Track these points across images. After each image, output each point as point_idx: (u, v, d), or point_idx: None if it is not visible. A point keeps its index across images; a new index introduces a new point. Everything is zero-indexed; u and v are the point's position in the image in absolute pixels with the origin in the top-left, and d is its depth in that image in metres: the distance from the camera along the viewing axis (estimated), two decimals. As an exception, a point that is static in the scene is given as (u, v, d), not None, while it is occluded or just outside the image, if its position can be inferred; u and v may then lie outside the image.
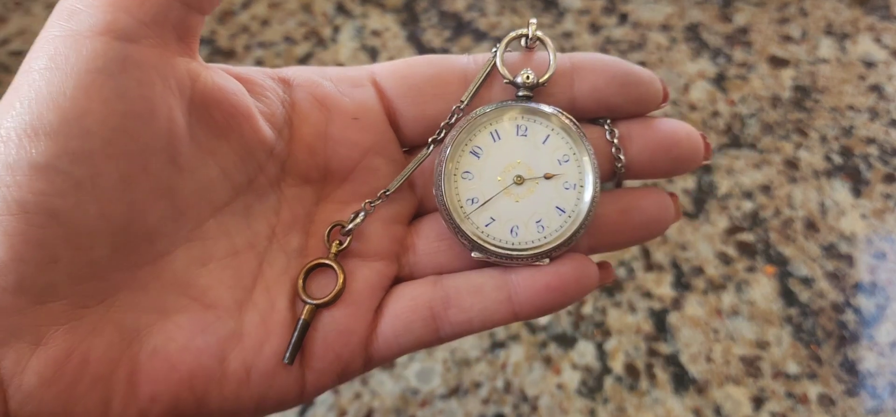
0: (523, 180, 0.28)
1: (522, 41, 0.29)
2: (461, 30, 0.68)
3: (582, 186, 0.28)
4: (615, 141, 0.28)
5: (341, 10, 0.70)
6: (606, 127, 0.28)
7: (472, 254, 0.28)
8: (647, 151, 0.28)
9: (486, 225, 0.28)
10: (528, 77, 0.28)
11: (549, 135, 0.28)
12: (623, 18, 0.69)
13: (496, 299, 0.27)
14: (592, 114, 0.29)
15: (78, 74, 0.22)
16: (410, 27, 0.69)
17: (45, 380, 0.22)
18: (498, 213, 0.28)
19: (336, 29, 0.69)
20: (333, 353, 0.27)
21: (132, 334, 0.24)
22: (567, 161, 0.28)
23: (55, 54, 0.22)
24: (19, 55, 0.66)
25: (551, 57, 0.28)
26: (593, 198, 0.27)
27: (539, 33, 0.29)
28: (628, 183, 0.30)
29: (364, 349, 0.27)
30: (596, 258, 0.29)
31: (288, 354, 0.26)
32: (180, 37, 0.24)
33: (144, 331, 0.25)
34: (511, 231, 0.28)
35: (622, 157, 0.28)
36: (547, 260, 0.27)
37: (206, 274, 0.26)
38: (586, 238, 0.28)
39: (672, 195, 0.29)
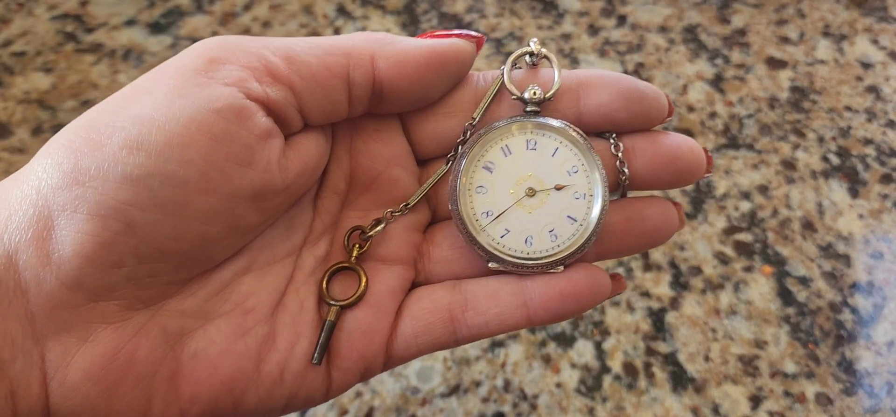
0: (535, 192, 0.29)
1: (527, 59, 0.30)
2: (461, 31, 0.69)
3: (592, 195, 0.29)
4: (619, 154, 0.29)
5: (342, 11, 0.71)
6: (611, 140, 0.29)
7: (489, 265, 0.28)
8: (651, 165, 0.29)
9: (502, 237, 0.29)
10: (534, 93, 0.29)
11: (557, 148, 0.29)
12: (622, 20, 0.69)
13: (512, 304, 0.28)
14: (598, 129, 0.29)
15: (196, 108, 0.23)
16: (411, 29, 0.69)
17: (90, 376, 0.23)
18: (512, 225, 0.29)
19: (337, 31, 0.69)
20: (357, 353, 0.28)
21: (176, 337, 0.25)
22: (576, 172, 0.29)
23: (182, 86, 0.23)
24: (22, 56, 0.66)
25: (556, 72, 0.29)
26: (603, 206, 0.28)
27: (544, 51, 0.29)
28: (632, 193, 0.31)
29: (385, 348, 0.28)
30: (604, 267, 0.29)
31: (316, 354, 0.27)
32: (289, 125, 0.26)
33: (188, 335, 0.25)
34: (525, 241, 0.29)
35: (626, 170, 0.29)
36: (561, 268, 0.28)
37: (247, 281, 0.27)
38: (594, 246, 0.29)
39: (676, 204, 0.30)
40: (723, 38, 0.67)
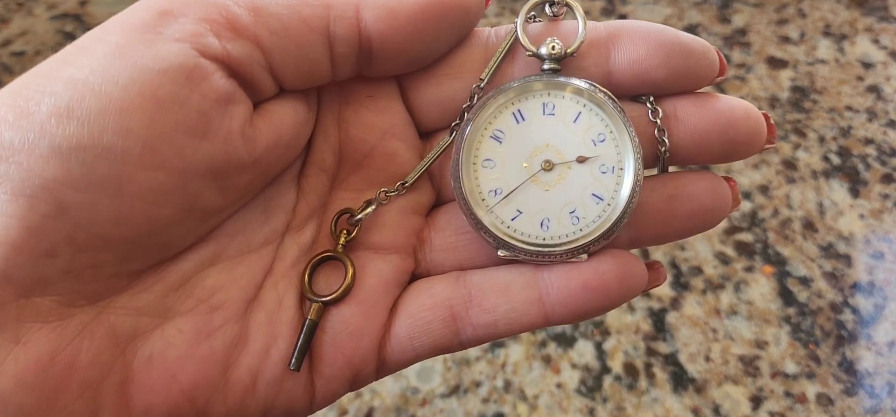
0: (553, 165, 0.25)
1: (547, 8, 0.25)
2: (461, 31, 0.69)
3: (621, 169, 0.24)
4: (658, 121, 0.24)
5: (342, 11, 0.71)
6: (648, 105, 0.25)
7: (499, 253, 0.24)
8: (698, 133, 0.24)
9: (513, 220, 0.24)
10: (553, 47, 0.24)
11: (580, 113, 0.25)
12: (622, 20, 0.69)
13: (525, 299, 0.24)
14: (632, 91, 0.25)
15: (138, 68, 0.20)
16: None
17: (23, 384, 0.19)
18: (525, 205, 0.25)
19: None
20: (343, 357, 0.24)
21: (127, 338, 0.22)
22: (603, 141, 0.24)
23: (124, 43, 0.20)
24: (21, 56, 0.66)
25: (580, 23, 0.24)
26: (635, 182, 0.24)
27: None
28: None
29: (376, 352, 0.24)
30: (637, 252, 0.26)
31: (293, 359, 0.23)
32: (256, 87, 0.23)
33: (141, 336, 0.22)
34: (541, 224, 0.24)
35: (666, 140, 0.24)
36: (584, 256, 0.24)
37: (215, 273, 0.23)
38: (627, 230, 0.25)
39: (729, 180, 0.25)
40: (723, 38, 0.67)
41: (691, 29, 0.68)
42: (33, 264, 0.19)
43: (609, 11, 0.70)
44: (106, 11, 0.71)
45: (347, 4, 0.23)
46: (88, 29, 0.71)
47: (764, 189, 0.56)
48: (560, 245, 0.24)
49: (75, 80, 0.20)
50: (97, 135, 0.19)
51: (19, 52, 0.67)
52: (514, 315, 0.24)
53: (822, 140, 0.59)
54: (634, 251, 0.25)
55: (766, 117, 0.25)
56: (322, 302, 0.24)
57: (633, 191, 0.24)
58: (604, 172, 0.24)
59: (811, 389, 0.46)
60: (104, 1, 0.72)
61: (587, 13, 0.76)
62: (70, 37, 0.68)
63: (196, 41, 0.21)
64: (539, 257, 0.24)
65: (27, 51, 0.67)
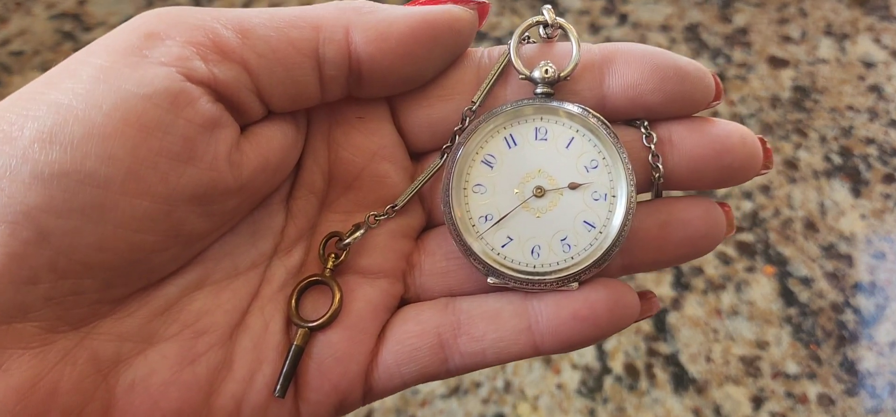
0: (544, 192, 0.25)
1: (541, 30, 0.25)
2: (461, 30, 0.68)
3: (614, 196, 0.24)
4: (652, 146, 0.24)
5: (341, 10, 0.70)
6: (643, 129, 0.24)
7: (488, 280, 0.24)
8: (693, 159, 0.24)
9: (503, 246, 0.24)
10: (547, 71, 0.24)
11: (573, 138, 0.24)
12: (623, 19, 0.69)
13: (514, 328, 0.24)
14: (627, 115, 0.25)
15: (122, 93, 0.20)
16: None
17: (4, 411, 0.19)
18: (516, 232, 0.24)
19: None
20: (330, 383, 0.24)
21: (109, 364, 0.22)
22: (595, 167, 0.24)
23: (109, 66, 0.20)
24: (20, 55, 0.66)
25: (574, 47, 0.24)
26: (628, 209, 0.24)
27: (560, 20, 0.25)
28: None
29: (363, 378, 0.24)
30: (629, 280, 0.26)
31: (278, 386, 0.23)
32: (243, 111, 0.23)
33: (124, 362, 0.22)
34: (532, 251, 0.24)
35: (660, 166, 0.24)
36: (575, 285, 0.24)
37: (200, 298, 0.23)
38: (619, 257, 0.25)
39: (723, 205, 0.25)
40: (724, 37, 0.67)
41: (692, 28, 0.68)
42: (14, 291, 0.19)
43: (609, 10, 0.70)
44: (104, 11, 0.70)
45: (337, 26, 0.22)
46: (87, 28, 0.71)
47: (765, 189, 0.56)
48: (551, 273, 0.24)
49: (59, 105, 0.19)
50: (80, 161, 0.19)
51: (18, 51, 0.66)
52: (503, 344, 0.24)
53: (823, 140, 0.59)
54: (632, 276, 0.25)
55: (763, 142, 0.24)
56: (308, 327, 0.24)
57: (626, 218, 0.24)
58: (596, 199, 0.24)
59: (812, 389, 0.46)
60: (103, 0, 0.72)
61: (587, 12, 0.75)
62: (69, 36, 0.68)
63: (182, 65, 0.20)
64: (529, 285, 0.24)
65: (26, 50, 0.67)
